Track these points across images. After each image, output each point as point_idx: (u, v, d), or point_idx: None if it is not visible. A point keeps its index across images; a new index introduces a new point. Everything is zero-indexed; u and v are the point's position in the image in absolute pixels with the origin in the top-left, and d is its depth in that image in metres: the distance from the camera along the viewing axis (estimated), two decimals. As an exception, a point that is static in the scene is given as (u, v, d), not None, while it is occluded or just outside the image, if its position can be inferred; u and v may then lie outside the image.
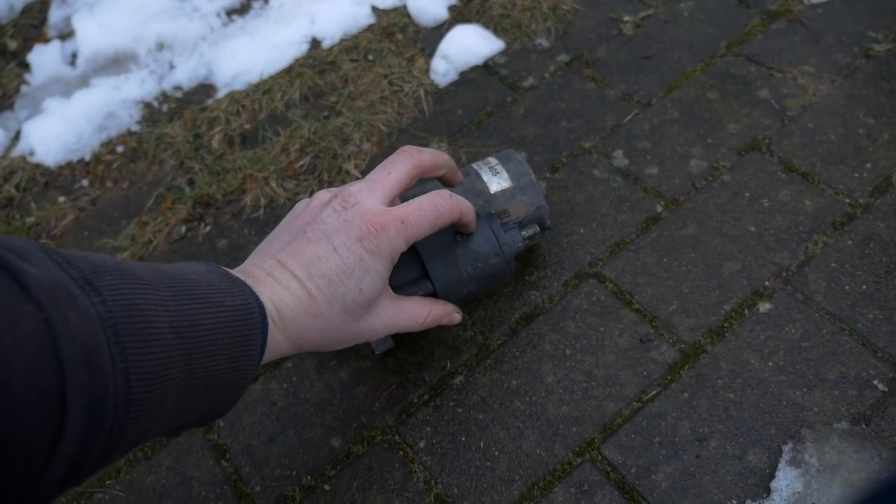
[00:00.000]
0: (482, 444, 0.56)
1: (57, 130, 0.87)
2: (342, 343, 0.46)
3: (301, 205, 0.49)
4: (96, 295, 0.29)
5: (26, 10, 1.11)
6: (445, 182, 0.56)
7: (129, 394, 0.29)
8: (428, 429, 0.57)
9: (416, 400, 0.59)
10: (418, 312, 0.50)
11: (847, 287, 0.59)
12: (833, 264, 0.61)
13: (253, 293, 0.40)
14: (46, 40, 1.04)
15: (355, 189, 0.47)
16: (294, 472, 0.57)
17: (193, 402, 0.35)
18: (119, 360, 0.29)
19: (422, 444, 0.56)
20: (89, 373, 0.27)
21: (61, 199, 0.82)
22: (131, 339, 0.30)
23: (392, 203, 0.48)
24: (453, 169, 0.55)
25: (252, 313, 0.39)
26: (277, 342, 0.42)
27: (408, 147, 0.51)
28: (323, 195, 0.48)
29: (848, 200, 0.65)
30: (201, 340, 0.34)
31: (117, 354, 0.29)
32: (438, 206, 0.48)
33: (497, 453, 0.55)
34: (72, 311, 0.28)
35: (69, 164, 0.86)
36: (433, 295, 0.54)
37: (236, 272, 0.42)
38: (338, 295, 0.44)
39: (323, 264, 0.44)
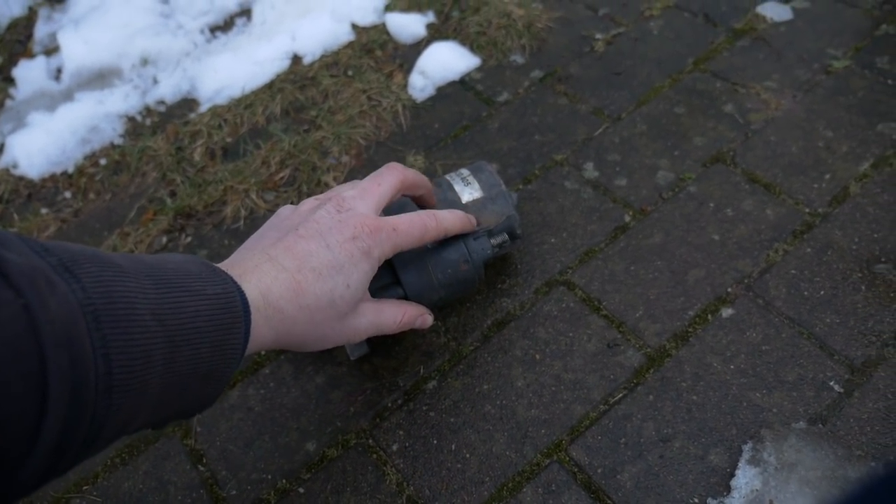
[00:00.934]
0: (454, 446, 0.57)
1: (41, 143, 0.88)
2: (324, 340, 0.47)
3: (286, 209, 0.51)
4: (75, 282, 0.29)
5: (12, 26, 1.13)
6: (421, 203, 0.58)
7: (110, 379, 0.29)
8: (401, 432, 0.59)
9: (389, 404, 0.60)
10: (395, 312, 0.52)
11: (806, 293, 0.62)
12: (793, 271, 0.63)
13: (235, 283, 0.40)
14: (32, 55, 1.06)
15: (348, 195, 0.50)
16: (269, 476, 0.58)
17: (177, 391, 0.35)
18: (100, 346, 0.29)
19: (395, 448, 0.58)
20: (70, 358, 0.27)
21: (44, 210, 0.84)
22: (112, 325, 0.30)
23: (378, 213, 0.51)
24: (430, 191, 0.58)
25: (234, 302, 0.39)
26: (261, 332, 0.42)
27: (395, 163, 0.54)
28: (311, 201, 0.51)
29: (807, 210, 0.67)
30: (183, 328, 0.34)
31: (97, 340, 0.29)
32: (427, 223, 0.51)
33: (468, 455, 0.57)
34: (51, 296, 0.28)
35: (52, 177, 0.87)
36: (404, 300, 0.55)
37: (222, 265, 0.43)
38: (326, 289, 0.45)
39: (314, 259, 0.45)
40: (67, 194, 0.85)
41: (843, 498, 0.30)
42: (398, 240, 0.49)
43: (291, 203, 0.77)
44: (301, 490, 0.57)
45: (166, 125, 0.90)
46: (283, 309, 0.43)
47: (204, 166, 0.84)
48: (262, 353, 0.65)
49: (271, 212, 0.77)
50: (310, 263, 0.45)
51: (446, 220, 0.53)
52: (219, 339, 0.37)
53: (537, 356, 0.61)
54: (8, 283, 0.27)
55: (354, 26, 0.98)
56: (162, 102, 0.94)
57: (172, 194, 0.82)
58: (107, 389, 0.29)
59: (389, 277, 0.55)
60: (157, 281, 0.35)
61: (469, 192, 0.62)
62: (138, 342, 0.31)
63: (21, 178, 0.88)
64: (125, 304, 0.31)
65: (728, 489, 0.52)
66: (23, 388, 0.26)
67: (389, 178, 0.52)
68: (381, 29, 0.97)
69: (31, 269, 0.28)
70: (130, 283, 0.32)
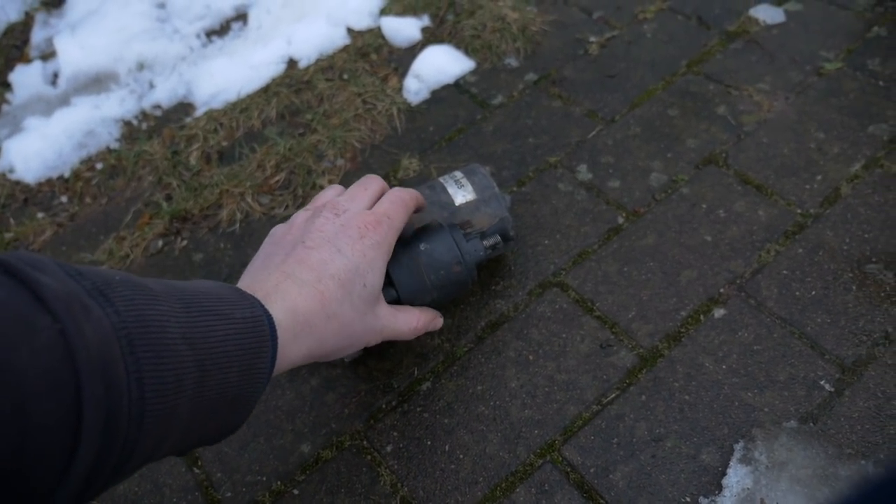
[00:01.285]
0: (447, 447, 0.57)
1: (37, 148, 0.89)
2: (353, 342, 0.48)
3: (279, 228, 0.51)
4: (109, 305, 0.29)
5: (8, 31, 1.13)
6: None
7: (143, 405, 0.29)
8: (395, 434, 0.59)
9: (384, 406, 0.61)
10: (409, 318, 0.53)
11: (797, 293, 0.62)
12: (784, 271, 0.64)
13: (262, 306, 0.40)
14: (28, 60, 1.06)
15: (340, 200, 0.51)
16: (264, 478, 0.58)
17: (205, 416, 0.35)
18: (133, 371, 0.29)
19: (389, 449, 0.58)
20: (105, 384, 0.27)
21: (40, 214, 0.84)
22: (145, 349, 0.30)
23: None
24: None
25: (262, 325, 0.39)
26: (291, 350, 0.42)
27: (372, 175, 0.56)
28: (303, 214, 0.51)
29: (799, 211, 0.68)
30: (213, 352, 0.34)
31: (131, 364, 0.29)
32: (402, 195, 0.53)
33: (461, 456, 0.57)
34: (86, 321, 0.27)
35: (48, 181, 0.88)
36: (397, 302, 0.56)
37: (247, 287, 0.43)
38: (347, 293, 0.45)
39: (331, 266, 0.45)
40: (64, 199, 0.86)
41: (843, 499, 0.30)
42: (395, 224, 0.51)
43: (287, 205, 0.78)
44: (296, 491, 0.57)
45: (162, 129, 0.91)
46: (312, 323, 0.43)
47: (200, 170, 0.84)
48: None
49: (266, 215, 0.77)
50: (328, 272, 0.45)
51: (409, 191, 0.55)
52: (247, 363, 0.37)
53: (531, 357, 0.62)
54: (45, 307, 0.26)
55: (350, 30, 0.98)
56: (158, 107, 0.95)
57: (168, 198, 0.82)
58: (139, 415, 0.29)
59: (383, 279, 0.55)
60: (187, 304, 0.35)
61: (462, 194, 0.62)
62: (170, 366, 0.31)
63: (17, 183, 0.88)
64: (158, 328, 0.31)
65: (719, 488, 0.52)
66: (59, 418, 0.26)
67: (373, 185, 0.54)
68: (376, 33, 0.97)
69: (67, 294, 0.28)
70: (162, 307, 0.32)
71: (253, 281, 0.44)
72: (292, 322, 0.42)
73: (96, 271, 0.31)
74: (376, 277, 0.48)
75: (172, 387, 0.31)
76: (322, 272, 0.45)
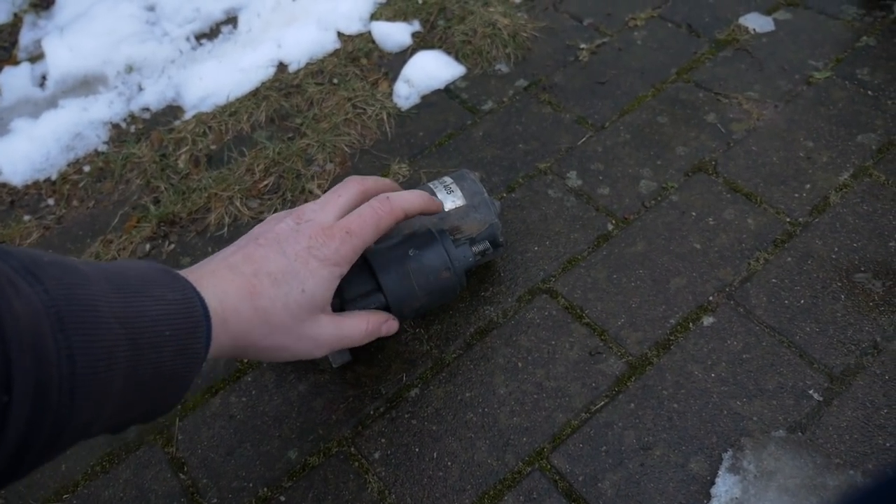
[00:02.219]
0: (435, 454, 0.57)
1: (24, 150, 0.88)
2: (282, 350, 0.47)
3: (257, 226, 0.52)
4: (38, 284, 0.30)
5: (-4, 33, 1.12)
6: (426, 212, 0.58)
7: (74, 380, 0.30)
8: (383, 440, 0.58)
9: (372, 412, 0.60)
10: (357, 323, 0.52)
11: (786, 301, 0.62)
12: (773, 280, 0.64)
13: (194, 289, 0.41)
14: (16, 62, 1.05)
15: (309, 208, 0.51)
16: (251, 485, 0.57)
17: (140, 394, 0.36)
18: (64, 347, 0.29)
19: (377, 456, 0.58)
20: (34, 358, 0.28)
21: (27, 217, 0.83)
22: (75, 327, 0.30)
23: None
24: (397, 188, 0.58)
25: (194, 308, 0.39)
26: (218, 336, 0.42)
27: (353, 177, 0.55)
28: (278, 215, 0.52)
29: (788, 219, 0.68)
30: (146, 332, 0.35)
31: (62, 341, 0.29)
32: (377, 210, 0.52)
33: (450, 463, 0.57)
34: (15, 298, 0.28)
35: (35, 184, 0.87)
36: (385, 307, 0.55)
37: (184, 272, 0.43)
38: (281, 293, 0.45)
39: (270, 263, 0.46)
40: (51, 201, 0.85)
41: (849, 498, 0.30)
42: (355, 241, 0.50)
43: (276, 209, 0.77)
44: (282, 498, 0.56)
45: (151, 132, 0.90)
46: (238, 310, 0.43)
47: (188, 173, 0.84)
48: (245, 361, 0.65)
49: (255, 219, 0.77)
50: (266, 268, 0.46)
51: (403, 201, 0.53)
52: (181, 343, 0.37)
53: (520, 364, 0.61)
54: None
55: (340, 35, 0.98)
56: (147, 109, 0.94)
57: (156, 201, 0.81)
58: (70, 390, 0.29)
59: (370, 284, 0.55)
60: (118, 286, 0.35)
61: (452, 199, 0.62)
62: (102, 344, 0.31)
63: (4, 185, 0.87)
64: (88, 307, 0.31)
65: (708, 497, 0.52)
66: None
67: (350, 189, 0.53)
68: (366, 37, 0.97)
69: None
70: (93, 288, 0.33)
71: (196, 266, 0.46)
72: (220, 307, 0.42)
73: (25, 251, 0.31)
74: (319, 287, 0.48)
75: (104, 363, 0.31)
76: (260, 268, 0.46)
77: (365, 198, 0.54)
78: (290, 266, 0.46)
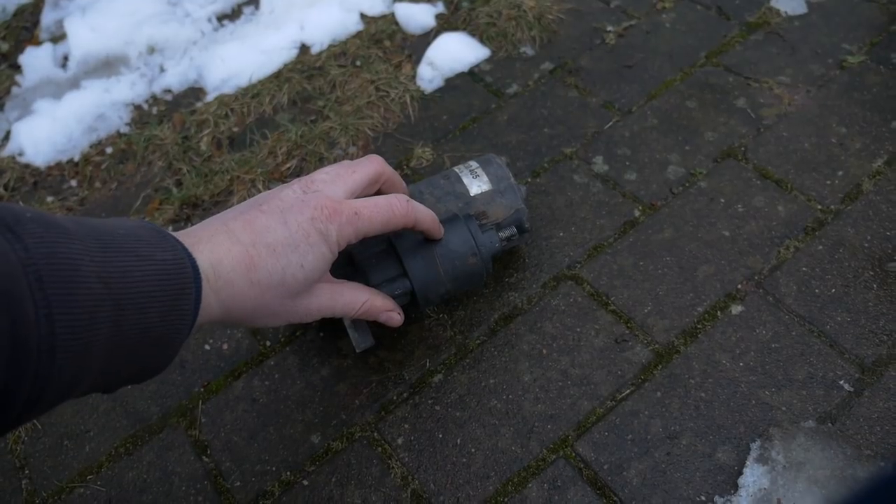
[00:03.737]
0: (459, 441, 0.57)
1: (47, 131, 0.88)
2: (274, 317, 0.46)
3: (264, 192, 0.50)
4: (17, 241, 0.29)
5: (18, 13, 1.12)
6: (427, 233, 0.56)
7: (53, 339, 0.29)
8: (406, 426, 0.58)
9: (395, 398, 0.60)
10: (355, 298, 0.51)
11: (817, 290, 0.61)
12: (804, 268, 0.62)
13: (185, 249, 0.40)
14: (38, 43, 1.05)
15: (319, 178, 0.49)
16: (273, 468, 0.57)
17: (126, 355, 0.35)
18: (42, 306, 0.29)
19: (400, 441, 0.57)
20: (9, 316, 0.27)
21: (50, 198, 0.83)
22: (55, 286, 0.29)
23: (347, 198, 0.50)
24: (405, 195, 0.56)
25: (184, 268, 0.38)
26: (210, 303, 0.41)
27: (376, 156, 0.53)
28: (289, 182, 0.50)
29: (819, 207, 0.66)
30: (130, 291, 0.34)
31: (40, 300, 0.29)
32: (394, 207, 0.49)
33: (473, 450, 0.56)
34: None
35: (58, 165, 0.87)
36: (411, 293, 0.55)
37: (178, 233, 0.42)
38: (279, 267, 0.44)
39: (270, 234, 0.44)
40: (73, 182, 0.85)
41: (851, 496, 0.29)
42: (360, 224, 0.48)
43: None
44: (305, 482, 0.56)
45: (173, 114, 0.90)
46: (233, 282, 0.42)
47: (210, 156, 0.83)
48: (268, 345, 0.65)
49: (278, 202, 0.77)
50: (265, 239, 0.44)
51: (419, 212, 0.51)
52: (168, 304, 0.37)
53: (544, 351, 0.61)
54: None
55: (363, 16, 0.97)
56: (168, 91, 0.94)
57: (178, 184, 0.81)
58: (50, 349, 0.29)
59: (396, 270, 0.55)
60: (104, 244, 0.34)
61: (477, 184, 0.61)
62: (82, 303, 0.31)
63: (27, 166, 0.87)
64: (69, 265, 0.31)
65: (735, 487, 0.52)
66: None
67: (367, 168, 0.51)
68: (389, 19, 0.96)
69: None
70: (76, 245, 0.32)
71: (194, 228, 0.44)
72: (214, 275, 0.41)
73: (7, 207, 0.31)
74: (318, 262, 0.46)
75: (85, 323, 0.31)
76: (259, 238, 0.44)
77: (378, 181, 0.53)
78: (290, 238, 0.45)
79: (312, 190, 0.48)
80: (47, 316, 0.29)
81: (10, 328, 0.27)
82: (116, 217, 0.40)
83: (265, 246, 0.44)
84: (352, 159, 0.79)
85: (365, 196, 0.52)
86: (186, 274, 0.38)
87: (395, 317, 0.54)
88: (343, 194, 0.49)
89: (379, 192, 0.54)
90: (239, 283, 0.42)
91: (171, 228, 0.76)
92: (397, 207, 0.50)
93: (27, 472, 0.60)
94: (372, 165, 0.52)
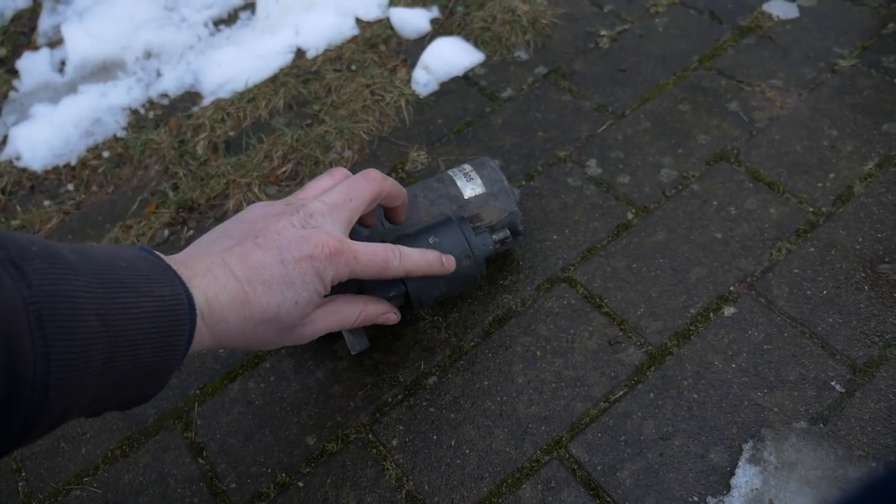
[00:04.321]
0: (453, 442, 0.57)
1: (44, 136, 0.88)
2: (267, 345, 0.47)
3: (258, 207, 0.49)
4: (22, 279, 0.29)
5: (16, 18, 1.13)
6: (393, 215, 0.57)
7: (48, 378, 0.30)
8: (401, 427, 0.59)
9: (390, 399, 0.60)
10: (349, 313, 0.51)
11: (809, 292, 0.61)
12: (796, 270, 0.63)
13: (183, 284, 0.40)
14: (36, 48, 1.06)
15: (317, 209, 0.48)
16: (269, 470, 0.58)
17: (116, 388, 0.36)
18: (40, 345, 0.29)
19: (395, 443, 0.58)
20: (8, 354, 0.28)
21: (47, 202, 0.84)
22: (54, 326, 0.30)
23: (346, 231, 0.49)
24: (405, 205, 0.56)
25: (181, 305, 0.38)
26: (202, 336, 0.41)
27: (374, 172, 0.52)
28: (279, 206, 0.49)
29: (811, 209, 0.67)
30: (126, 329, 0.34)
31: (38, 339, 0.29)
32: (390, 261, 0.50)
33: (467, 451, 0.57)
34: None
35: (55, 169, 0.87)
36: (405, 296, 0.55)
37: (174, 260, 0.42)
38: (273, 303, 0.44)
39: (266, 272, 0.44)
40: (70, 186, 0.85)
41: (843, 497, 0.30)
42: (357, 268, 0.48)
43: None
44: (300, 484, 0.57)
45: (169, 118, 0.90)
46: (226, 318, 0.42)
47: (206, 160, 0.84)
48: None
49: (273, 206, 0.77)
50: (261, 276, 0.44)
51: (411, 261, 0.52)
52: (162, 341, 0.37)
53: (538, 353, 0.61)
54: None
55: (358, 21, 0.97)
56: (165, 95, 0.94)
57: (175, 187, 0.81)
58: (44, 388, 0.30)
59: (391, 273, 0.55)
60: (104, 280, 0.34)
61: (471, 187, 0.61)
62: (79, 342, 0.31)
63: (24, 170, 0.88)
64: (70, 305, 0.31)
65: (728, 488, 0.52)
66: None
67: (364, 191, 0.51)
68: (385, 24, 0.97)
69: None
70: (78, 282, 0.32)
71: (190, 256, 0.43)
72: (209, 312, 0.41)
73: (14, 239, 0.31)
74: (311, 299, 0.46)
75: (80, 362, 0.31)
76: (255, 275, 0.43)
77: (379, 200, 0.52)
78: (287, 276, 0.44)
79: (312, 225, 0.47)
80: (44, 355, 0.29)
81: (7, 366, 0.28)
82: (118, 246, 0.40)
83: (261, 283, 0.43)
84: (347, 163, 0.79)
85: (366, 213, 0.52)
86: (182, 311, 0.38)
87: (391, 317, 0.55)
88: (342, 230, 0.48)
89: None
90: (233, 320, 0.43)
91: (167, 232, 0.76)
92: (392, 262, 0.50)
93: (24, 474, 0.60)
94: (369, 187, 0.51)
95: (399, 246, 0.51)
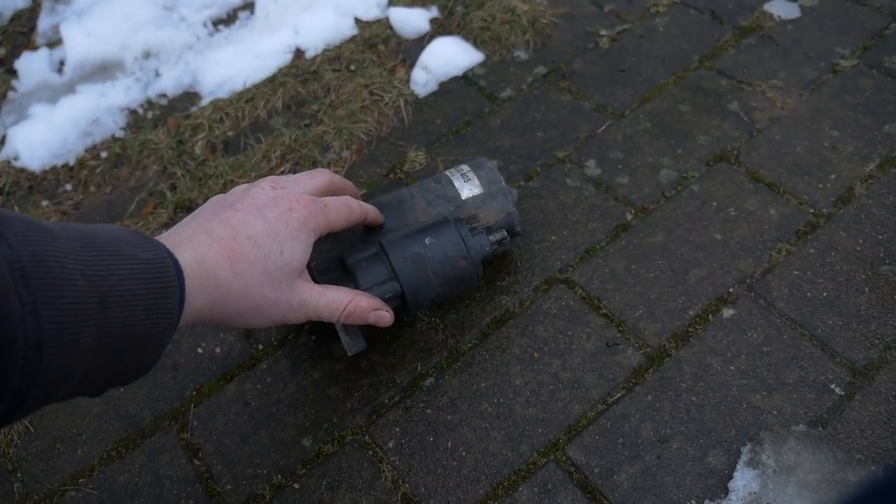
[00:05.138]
0: (450, 444, 0.57)
1: (42, 136, 0.88)
2: (258, 313, 0.47)
3: (219, 196, 0.52)
4: (1, 240, 0.29)
5: (15, 18, 1.13)
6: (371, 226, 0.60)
7: (40, 335, 0.29)
8: (397, 429, 0.58)
9: (386, 401, 0.60)
10: (338, 297, 0.51)
11: (808, 294, 0.61)
12: (795, 272, 0.62)
13: (167, 250, 0.40)
14: (35, 48, 1.05)
15: (283, 179, 0.52)
16: (265, 471, 0.57)
17: (112, 354, 0.35)
18: (28, 302, 0.29)
19: (391, 445, 0.57)
20: None
21: (45, 203, 0.83)
22: (40, 282, 0.30)
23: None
24: (356, 196, 0.60)
25: (167, 267, 0.39)
26: (196, 299, 0.42)
27: (323, 168, 0.58)
28: (242, 185, 0.52)
29: (812, 210, 0.66)
30: (115, 289, 0.34)
31: (26, 297, 0.29)
32: (350, 203, 0.54)
33: (464, 453, 0.56)
34: None
35: (53, 169, 0.87)
36: (401, 296, 0.55)
37: (159, 237, 0.43)
38: (261, 256, 0.45)
39: (250, 227, 0.46)
40: (68, 186, 0.85)
41: (842, 501, 0.29)
42: (330, 216, 0.51)
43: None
44: (296, 486, 0.56)
45: (168, 118, 0.90)
46: (217, 274, 0.43)
47: (205, 160, 0.83)
48: (260, 348, 0.65)
49: (271, 206, 0.77)
50: (245, 232, 0.46)
51: (367, 207, 0.56)
52: (152, 302, 0.37)
53: (536, 354, 0.61)
54: None
55: (357, 21, 0.97)
56: (164, 95, 0.94)
57: (173, 188, 0.81)
58: (37, 345, 0.29)
59: (386, 273, 0.55)
60: (87, 244, 0.35)
61: (469, 188, 0.61)
62: (68, 299, 0.31)
63: (22, 170, 0.88)
64: (54, 263, 0.31)
65: (726, 491, 0.51)
66: None
67: (321, 177, 0.55)
68: (384, 23, 0.96)
69: None
70: (60, 245, 0.32)
71: (171, 233, 0.45)
72: (198, 271, 0.42)
73: None
74: (298, 250, 0.48)
75: (72, 320, 0.31)
76: (239, 231, 0.45)
77: (329, 189, 0.55)
78: (270, 229, 0.47)
79: (280, 186, 0.50)
80: (33, 312, 0.29)
81: None
82: (98, 224, 0.41)
83: (246, 238, 0.45)
84: (345, 163, 0.79)
85: None
86: (169, 272, 0.39)
87: (384, 315, 0.54)
88: (310, 192, 0.52)
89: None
90: (224, 275, 0.43)
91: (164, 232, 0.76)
92: (353, 203, 0.54)
93: (19, 475, 0.60)
94: (323, 176, 0.55)
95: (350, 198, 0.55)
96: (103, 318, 0.34)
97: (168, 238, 0.43)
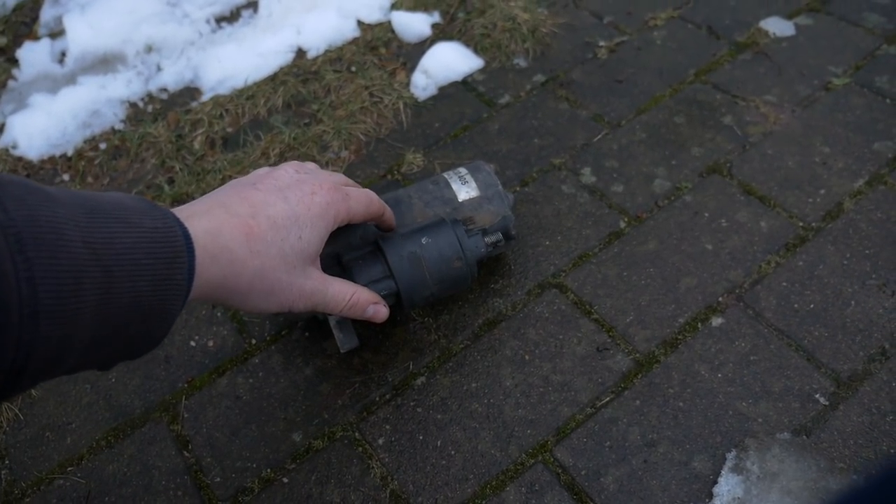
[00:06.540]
0: (439, 443, 0.57)
1: (41, 125, 0.88)
2: (268, 296, 0.45)
3: (247, 176, 0.50)
4: None
5: (18, 8, 1.13)
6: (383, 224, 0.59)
7: (36, 303, 0.28)
8: (388, 427, 0.59)
9: (377, 399, 0.61)
10: (344, 289, 0.51)
11: (796, 305, 0.62)
12: (784, 283, 0.63)
13: (176, 219, 0.38)
14: (37, 38, 1.06)
15: (306, 165, 0.52)
16: (254, 465, 0.58)
17: (117, 327, 0.34)
18: (23, 269, 0.28)
19: (381, 442, 0.58)
20: None
21: (41, 192, 0.84)
22: (36, 248, 0.28)
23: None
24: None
25: (175, 236, 0.37)
26: (208, 271, 0.40)
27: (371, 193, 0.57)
28: (265, 168, 0.51)
29: (801, 224, 0.68)
30: (120, 259, 0.33)
31: (21, 262, 0.28)
32: (371, 196, 0.54)
33: (453, 452, 0.57)
34: None
35: (51, 159, 0.88)
36: (396, 294, 0.56)
37: (173, 209, 0.41)
38: (278, 238, 0.44)
39: (271, 208, 0.45)
40: (66, 177, 0.85)
41: (849, 492, 0.30)
42: (351, 205, 0.50)
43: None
44: (285, 480, 0.57)
45: (168, 112, 0.90)
46: (232, 249, 0.41)
47: (203, 155, 0.84)
48: (253, 342, 0.65)
49: (268, 203, 0.77)
50: (266, 212, 0.44)
51: (386, 206, 0.56)
52: (160, 273, 0.35)
53: (527, 357, 0.61)
54: None
55: (360, 23, 0.98)
56: (164, 90, 0.95)
57: (171, 181, 0.82)
58: (33, 314, 0.28)
59: (382, 271, 0.55)
60: (90, 210, 0.33)
61: (466, 190, 0.62)
62: (67, 267, 0.30)
63: (20, 159, 0.88)
64: (51, 229, 0.30)
65: (710, 496, 0.52)
66: None
67: (339, 174, 0.55)
68: (386, 27, 0.97)
69: None
70: (59, 210, 0.31)
71: (185, 206, 0.43)
72: (212, 243, 0.40)
73: None
74: (316, 236, 0.47)
75: (71, 289, 0.30)
76: (259, 210, 0.44)
77: (365, 218, 0.55)
78: (291, 211, 0.45)
79: (305, 170, 0.50)
80: (28, 280, 0.28)
81: None
82: (107, 192, 0.39)
83: (266, 218, 0.44)
84: (344, 163, 0.80)
85: None
86: (178, 242, 0.37)
87: (381, 309, 0.54)
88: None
89: None
90: (238, 251, 0.42)
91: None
92: (374, 196, 0.54)
93: (7, 462, 0.60)
94: (342, 175, 0.55)
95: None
96: (107, 289, 0.32)
97: (182, 210, 0.41)
